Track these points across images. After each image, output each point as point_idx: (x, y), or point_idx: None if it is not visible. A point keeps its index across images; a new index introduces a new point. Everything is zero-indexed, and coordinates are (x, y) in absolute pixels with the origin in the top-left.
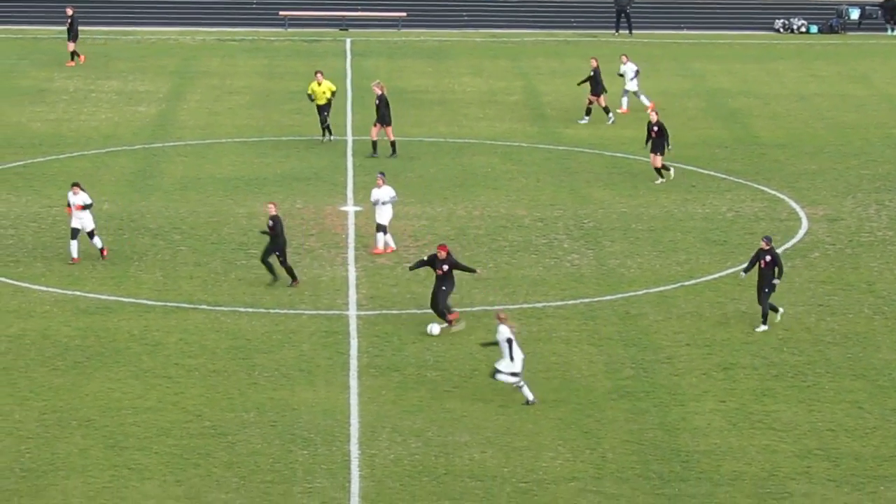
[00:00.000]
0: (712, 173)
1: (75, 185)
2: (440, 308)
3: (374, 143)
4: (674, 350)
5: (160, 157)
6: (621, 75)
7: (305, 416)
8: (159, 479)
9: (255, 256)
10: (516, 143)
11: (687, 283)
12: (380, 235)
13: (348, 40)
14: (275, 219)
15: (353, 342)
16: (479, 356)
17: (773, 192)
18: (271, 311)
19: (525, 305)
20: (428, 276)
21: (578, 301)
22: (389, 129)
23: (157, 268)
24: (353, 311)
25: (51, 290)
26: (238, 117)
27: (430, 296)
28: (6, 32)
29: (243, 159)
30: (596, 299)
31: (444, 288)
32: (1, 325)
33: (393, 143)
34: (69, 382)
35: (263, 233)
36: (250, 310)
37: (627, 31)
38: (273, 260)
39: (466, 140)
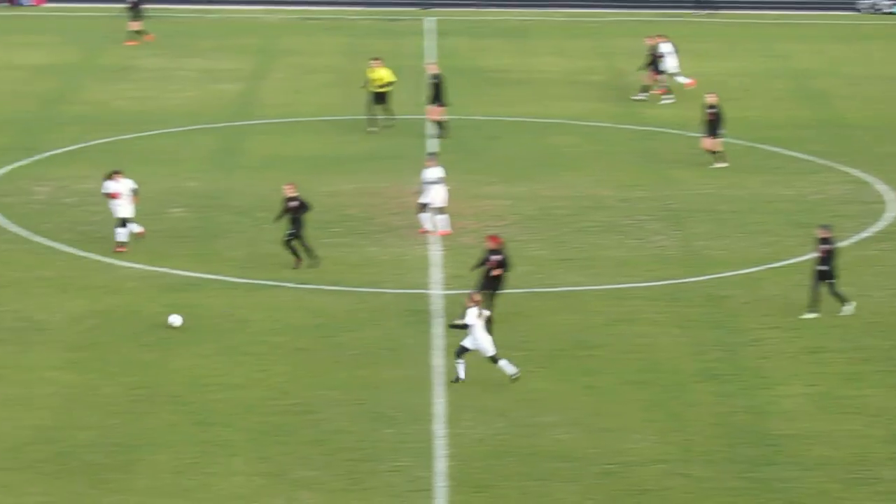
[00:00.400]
0: (798, 155)
1: (116, 172)
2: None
3: (440, 123)
4: (760, 333)
5: (243, 135)
6: (661, 56)
7: (390, 395)
8: (245, 455)
9: (339, 234)
10: (599, 123)
11: (773, 266)
12: (424, 216)
13: (429, 19)
14: (296, 199)
15: (438, 321)
16: (565, 337)
17: (860, 174)
18: (356, 289)
19: (610, 286)
20: (514, 256)
21: (664, 282)
22: (439, 109)
23: (241, 245)
24: (437, 290)
25: (137, 266)
26: (320, 96)
27: (505, 278)
28: (91, 10)
29: (325, 138)
30: (681, 281)
31: (492, 291)
32: (89, 301)
33: (439, 124)
34: (156, 358)
35: (287, 214)
36: (335, 288)
37: (709, 11)
38: (294, 241)
39: (549, 120)
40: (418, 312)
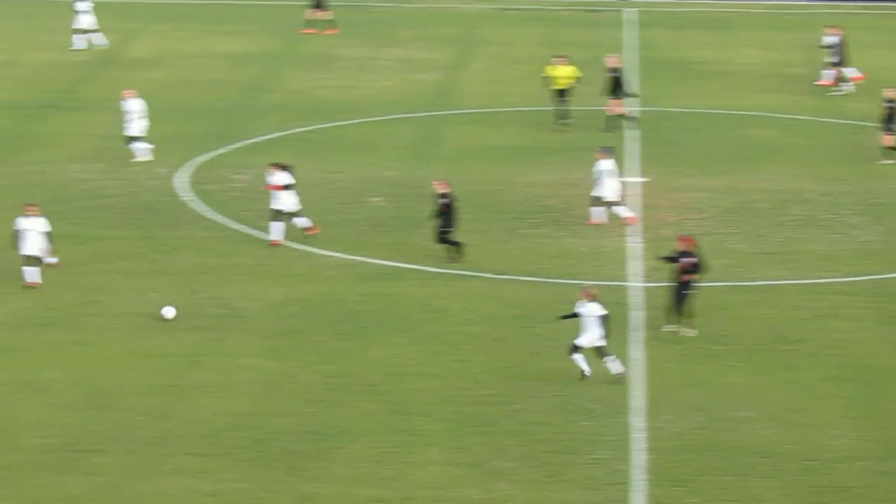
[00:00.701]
0: None
1: (273, 165)
2: (679, 312)
3: (625, 115)
4: None
5: (442, 125)
6: (825, 47)
7: (587, 387)
8: (442, 445)
9: (537, 225)
10: (800, 116)
11: None
12: (596, 209)
13: (629, 10)
14: (447, 195)
15: (636, 313)
16: (764, 331)
17: None
18: (553, 280)
19: (810, 281)
20: (713, 249)
21: (866, 277)
22: (618, 102)
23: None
24: (636, 283)
25: (336, 255)
26: (519, 86)
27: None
28: None
29: (524, 128)
30: (884, 276)
31: (684, 292)
32: (288, 289)
33: (617, 117)
34: (354, 347)
35: (438, 210)
36: (532, 279)
37: None
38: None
39: (749, 112)
40: (616, 305)
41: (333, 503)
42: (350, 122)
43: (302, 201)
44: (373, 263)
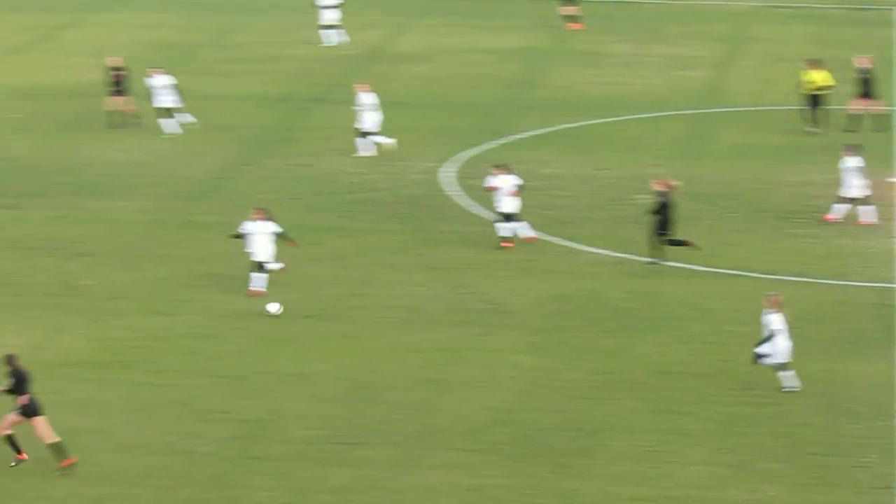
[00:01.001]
0: None
1: (497, 166)
2: None
3: (859, 118)
4: None
5: (710, 123)
6: None
7: (855, 390)
8: (706, 445)
9: (806, 225)
10: None
11: None
12: (839, 206)
13: None
14: (663, 194)
15: None
16: None
17: None
18: (820, 281)
19: None
20: None
21: None
22: (873, 102)
23: (705, 233)
24: None
25: (601, 251)
26: (789, 85)
27: None
28: None
29: (792, 127)
30: None
31: None
32: (552, 285)
33: (874, 117)
34: (617, 344)
35: (654, 209)
36: (799, 279)
37: None
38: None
39: None
40: (885, 307)
41: (596, 501)
42: (617, 118)
43: (568, 196)
44: (638, 261)
